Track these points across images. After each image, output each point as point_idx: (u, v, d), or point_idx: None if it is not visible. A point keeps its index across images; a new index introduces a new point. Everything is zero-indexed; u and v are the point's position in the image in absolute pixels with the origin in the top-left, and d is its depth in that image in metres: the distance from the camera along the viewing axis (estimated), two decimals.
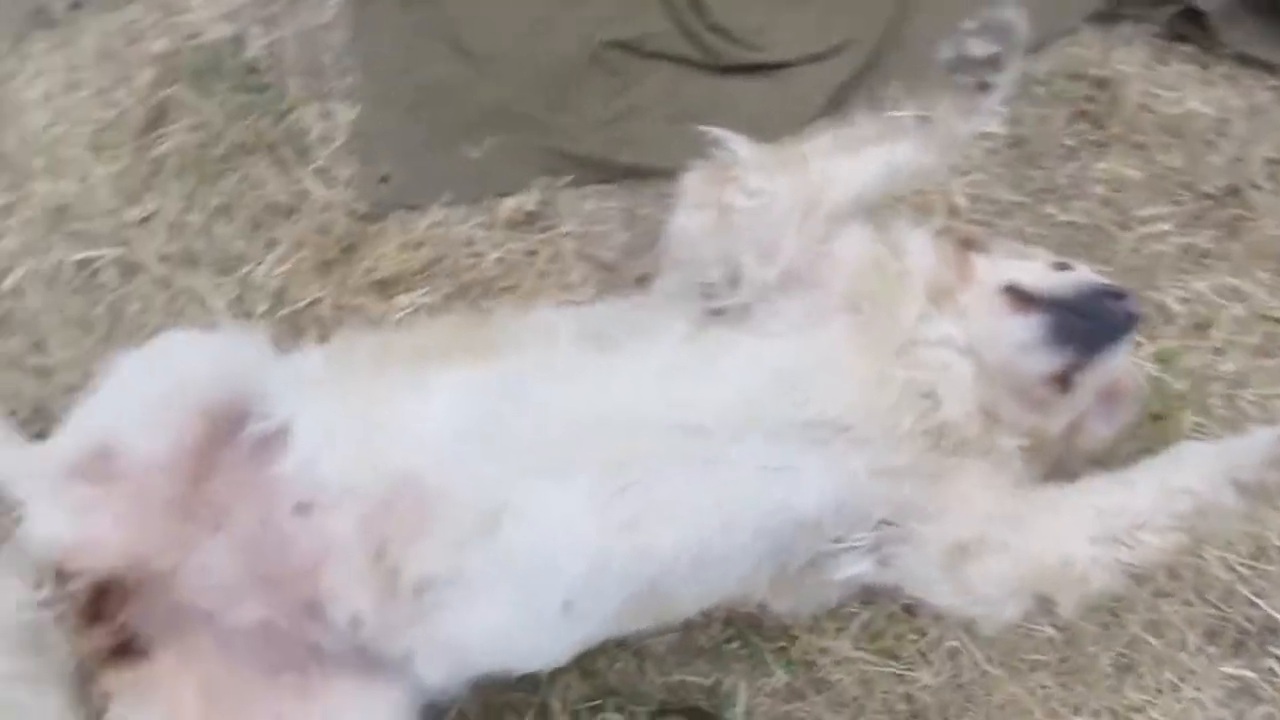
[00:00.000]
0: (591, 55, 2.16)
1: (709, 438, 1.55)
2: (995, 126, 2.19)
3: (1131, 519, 1.55)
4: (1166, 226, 2.18)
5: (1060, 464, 1.91)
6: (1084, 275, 1.71)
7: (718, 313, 1.66)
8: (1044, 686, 1.97)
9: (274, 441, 1.69)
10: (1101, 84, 2.22)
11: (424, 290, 2.10)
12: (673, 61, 2.17)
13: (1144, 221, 2.18)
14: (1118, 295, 1.68)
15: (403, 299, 2.09)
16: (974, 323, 1.69)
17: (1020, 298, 1.69)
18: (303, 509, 1.66)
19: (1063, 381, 1.67)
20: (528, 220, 2.13)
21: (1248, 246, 2.18)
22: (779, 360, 1.61)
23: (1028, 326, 1.66)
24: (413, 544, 1.60)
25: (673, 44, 2.17)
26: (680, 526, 1.56)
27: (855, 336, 1.64)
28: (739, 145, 1.68)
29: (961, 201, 2.15)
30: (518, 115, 2.13)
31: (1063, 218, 2.18)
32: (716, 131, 1.68)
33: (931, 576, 1.61)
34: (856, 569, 1.64)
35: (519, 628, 1.62)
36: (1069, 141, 2.23)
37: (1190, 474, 1.57)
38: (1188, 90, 2.23)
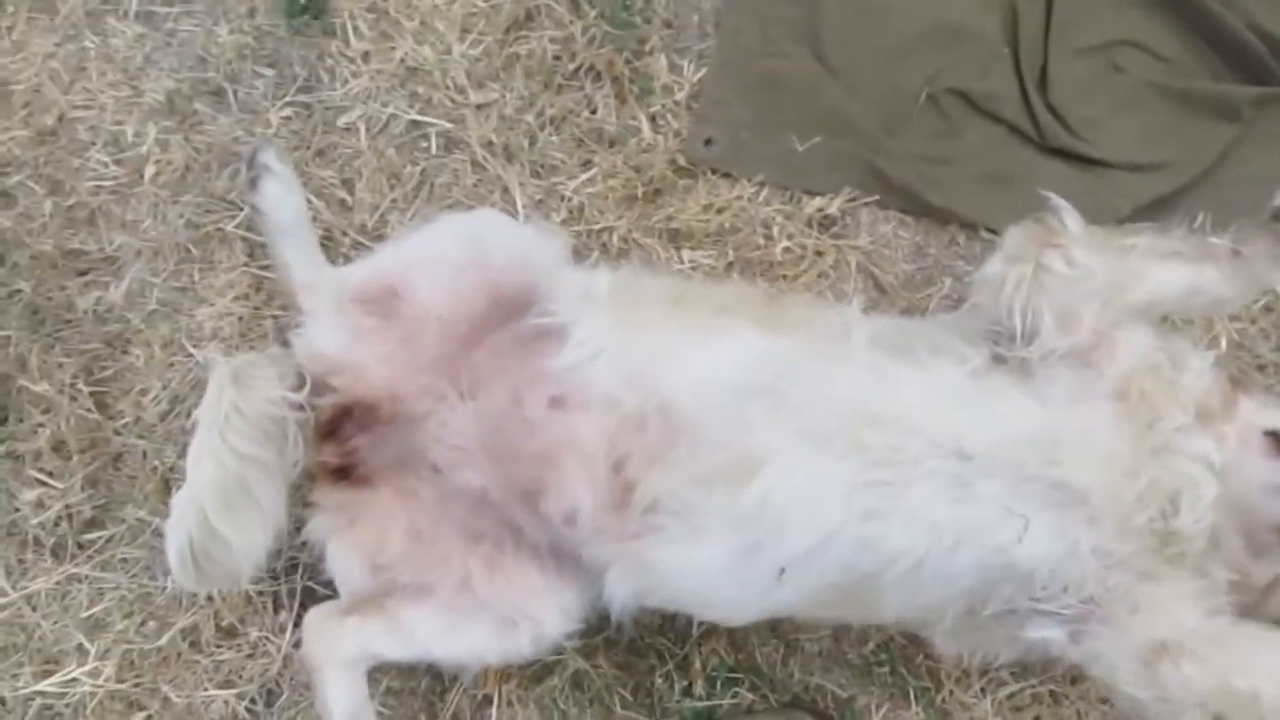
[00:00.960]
0: (931, 95, 2.27)
1: (968, 464, 1.66)
2: (1278, 287, 2.26)
3: None
4: None
5: (1247, 614, 1.98)
6: None
7: (1001, 360, 1.77)
8: None
9: (549, 337, 1.84)
10: None
11: (710, 252, 2.23)
12: (1003, 125, 2.27)
13: None
14: None
15: (688, 254, 2.23)
16: (1229, 452, 1.77)
17: (1275, 437, 1.77)
18: (557, 402, 1.80)
19: None
20: (826, 222, 2.25)
21: None
22: (1047, 419, 1.72)
23: (1273, 471, 1.74)
24: (656, 466, 1.73)
25: (1008, 109, 2.27)
26: (913, 533, 1.68)
27: (1119, 424, 1.74)
28: (1071, 218, 1.78)
29: (1224, 344, 2.22)
30: (849, 125, 2.24)
31: None
32: (1055, 199, 1.78)
33: (1123, 663, 1.69)
34: (1047, 634, 1.74)
35: (727, 577, 1.75)
36: None
37: None
38: None
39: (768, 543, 1.70)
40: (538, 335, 1.87)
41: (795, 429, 1.70)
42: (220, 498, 1.80)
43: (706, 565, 1.75)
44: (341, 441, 1.90)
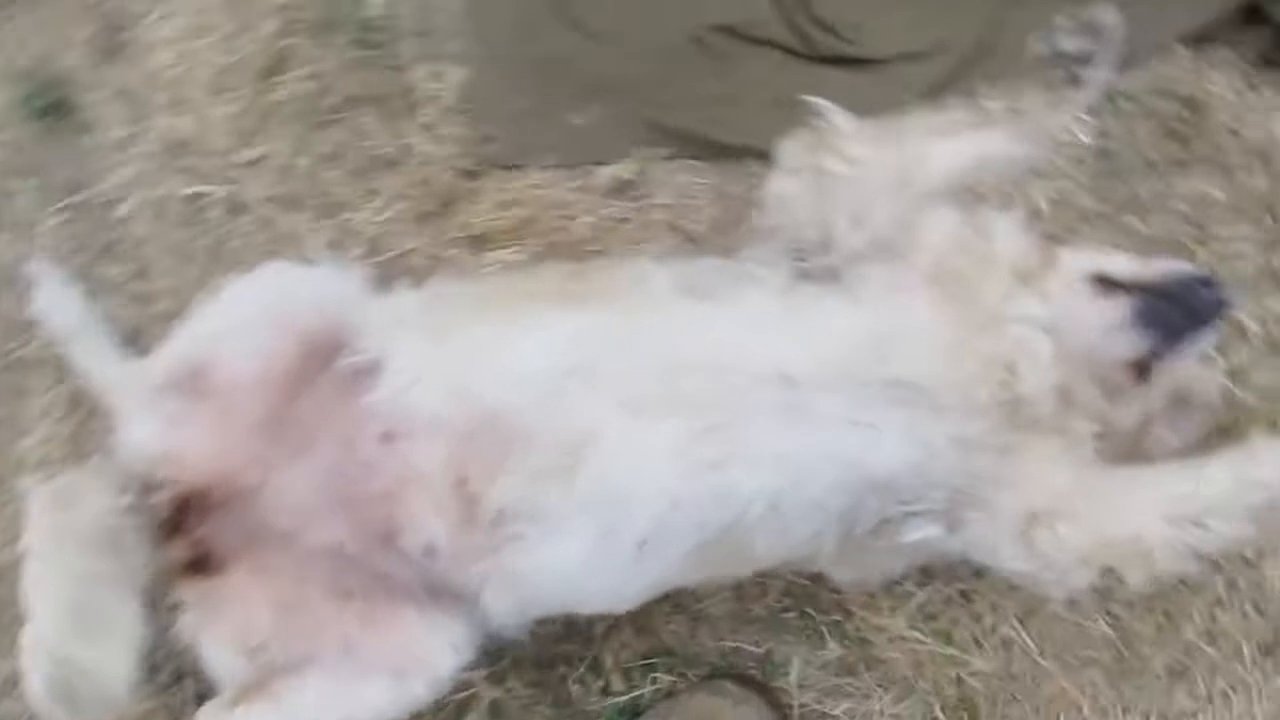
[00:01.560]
0: (696, 37, 2.22)
1: (796, 387, 1.60)
2: (1083, 137, 2.24)
3: (1204, 504, 1.58)
4: (1245, 247, 2.21)
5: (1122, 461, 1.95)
6: (1172, 263, 1.75)
7: (807, 274, 1.73)
8: (1094, 684, 1.99)
9: (366, 374, 1.76)
10: (1191, 104, 2.26)
11: (515, 248, 2.17)
12: (774, 48, 2.24)
13: (1223, 241, 2.21)
14: (1207, 283, 1.71)
15: (493, 255, 2.17)
16: (1057, 305, 1.73)
17: (1106, 284, 1.74)
18: (388, 438, 1.73)
19: (1142, 369, 1.71)
20: (622, 189, 2.20)
21: None
22: (865, 321, 1.67)
23: (1113, 309, 1.69)
24: (494, 475, 1.66)
25: (775, 31, 2.23)
26: (760, 473, 1.61)
27: (939, 308, 1.70)
28: (840, 117, 1.74)
29: (1044, 205, 2.20)
30: (623, 88, 2.20)
31: (1143, 231, 2.21)
32: (818, 102, 1.75)
33: (1001, 542, 1.64)
34: (925, 532, 1.67)
35: (594, 567, 1.67)
36: (1154, 158, 2.26)
37: (1265, 468, 1.60)
38: (1277, 117, 2.26)
39: (619, 522, 1.63)
40: (355, 375, 1.78)
41: (615, 400, 1.63)
42: (69, 625, 1.69)
43: (570, 561, 1.67)
44: (185, 534, 1.80)
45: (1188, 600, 2.02)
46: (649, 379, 1.63)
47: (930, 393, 1.63)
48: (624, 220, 2.18)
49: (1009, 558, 1.63)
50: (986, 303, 1.69)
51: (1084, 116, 2.22)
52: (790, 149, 1.76)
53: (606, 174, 2.19)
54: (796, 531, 1.68)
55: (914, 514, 1.67)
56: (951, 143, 1.77)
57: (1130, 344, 1.68)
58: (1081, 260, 1.80)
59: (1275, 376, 2.13)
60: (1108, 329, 1.69)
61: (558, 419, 1.65)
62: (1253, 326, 2.16)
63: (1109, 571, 1.61)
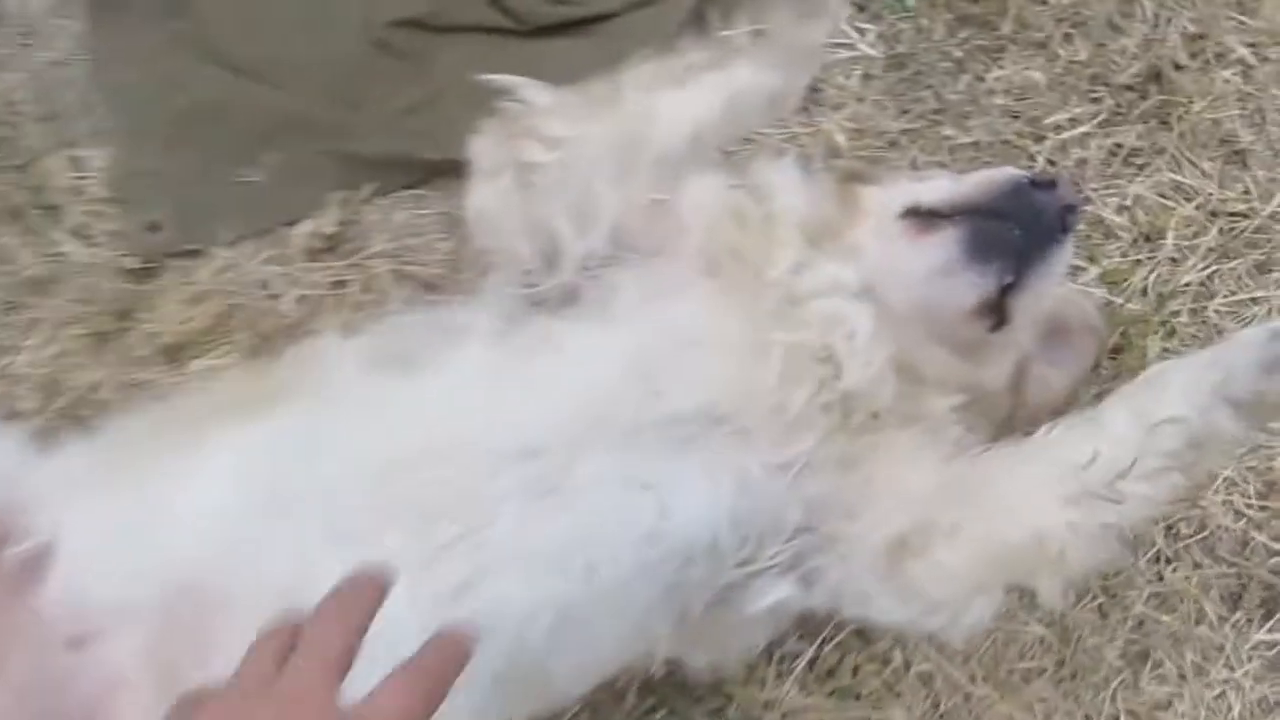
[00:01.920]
0: (377, 41, 1.80)
1: (542, 458, 1.18)
2: (866, 48, 1.87)
3: (1111, 468, 1.18)
4: (1086, 129, 1.84)
5: (1012, 428, 1.57)
6: (999, 171, 1.36)
7: (541, 302, 1.31)
8: (1043, 699, 1.59)
9: (37, 565, 1.32)
10: None
11: (220, 350, 1.72)
12: (474, 33, 1.83)
13: (1058, 128, 1.84)
14: (1045, 185, 1.32)
15: (197, 364, 1.72)
16: (869, 261, 1.34)
17: (924, 218, 1.34)
18: (76, 643, 1.28)
19: (994, 311, 1.31)
20: (329, 246, 1.75)
21: (1182, 136, 1.85)
22: (622, 347, 1.25)
23: (937, 247, 1.30)
24: (205, 654, 1.21)
25: (471, 12, 1.82)
26: (530, 579, 1.17)
27: (719, 304, 1.29)
28: (533, 91, 1.33)
29: (841, 139, 1.81)
30: (299, 124, 1.77)
31: (963, 139, 1.84)
32: (503, 80, 1.33)
33: (869, 588, 1.23)
34: (776, 594, 1.26)
35: None
36: (956, 53, 1.89)
37: (1172, 400, 1.20)
38: None
39: (368, 679, 1.21)
40: (25, 568, 1.34)
41: (319, 528, 1.21)
42: None
43: None
44: None
45: (1126, 564, 1.63)
46: (354, 492, 1.19)
47: (727, 418, 1.22)
48: (340, 283, 1.74)
49: (885, 606, 1.23)
50: (777, 280, 1.30)
51: (860, 23, 1.86)
52: (481, 147, 1.34)
53: (304, 233, 1.74)
54: (609, 634, 1.25)
55: (757, 574, 1.26)
56: (686, 90, 1.37)
57: (969, 285, 1.28)
58: (890, 196, 1.41)
59: (1155, 271, 1.77)
60: (936, 274, 1.30)
61: (256, 568, 1.21)
62: (1117, 220, 1.79)
63: (1015, 588, 1.23)
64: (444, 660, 0.80)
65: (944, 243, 1.30)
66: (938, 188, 1.41)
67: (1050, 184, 1.33)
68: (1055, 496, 1.19)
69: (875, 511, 1.23)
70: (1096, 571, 1.36)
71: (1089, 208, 1.78)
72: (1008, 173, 1.36)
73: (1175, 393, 1.20)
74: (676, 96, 1.35)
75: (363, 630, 0.81)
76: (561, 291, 1.29)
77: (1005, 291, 1.30)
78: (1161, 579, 1.64)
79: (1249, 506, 1.66)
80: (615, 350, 1.25)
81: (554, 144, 1.28)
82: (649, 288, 1.29)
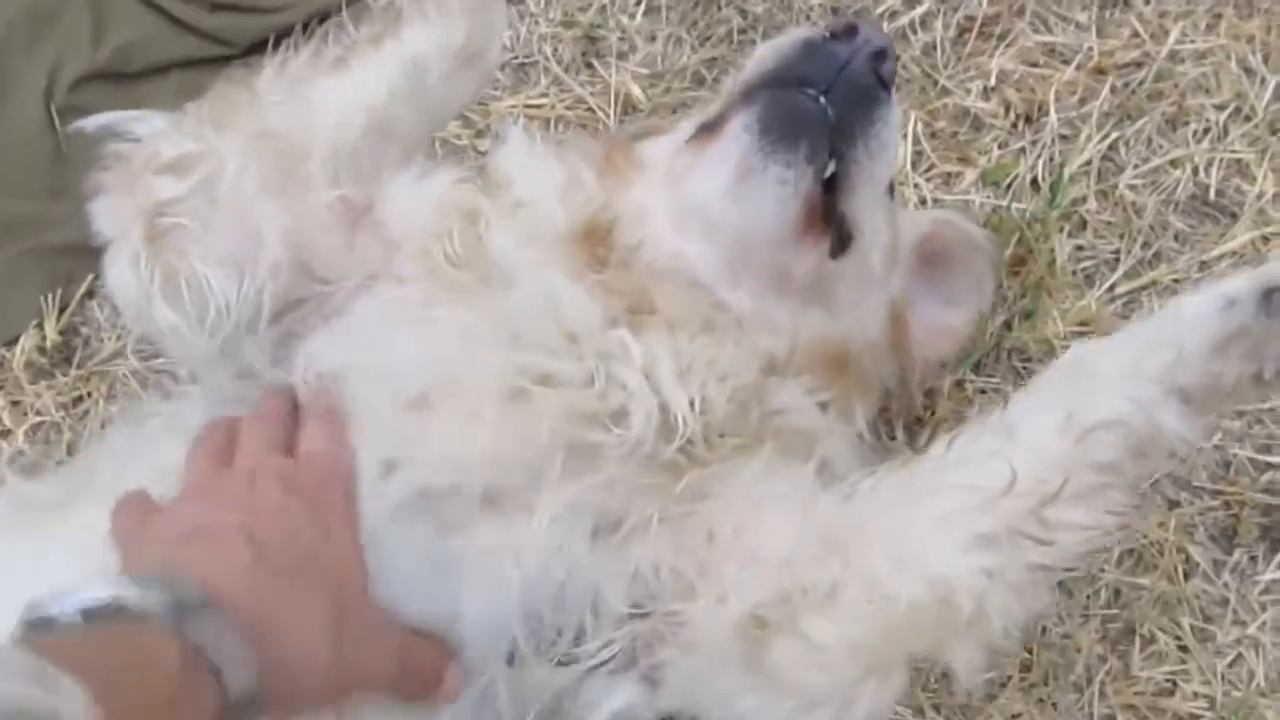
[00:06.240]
0: (64, 108, 1.50)
1: None
2: None
3: (1034, 492, 0.86)
4: (925, 7, 1.49)
5: (906, 397, 1.26)
6: (783, 36, 1.04)
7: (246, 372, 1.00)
8: (1015, 715, 1.26)
9: None
10: None
11: None
12: (181, 69, 1.52)
13: (892, 14, 1.49)
14: (844, 33, 1.00)
15: None
16: (648, 225, 1.03)
17: (710, 128, 1.04)
18: None
19: (825, 218, 1.00)
20: (57, 357, 1.46)
21: None
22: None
23: (725, 146, 0.99)
24: None
25: (171, 47, 1.52)
26: None
27: (448, 341, 0.96)
28: (141, 122, 1.00)
29: (637, 90, 1.48)
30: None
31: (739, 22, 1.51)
32: (101, 120, 1.01)
33: (728, 684, 0.91)
34: (616, 701, 0.93)
35: None
36: None
37: (1106, 396, 0.88)
38: None
39: None
40: None
41: None
42: None
43: None
44: None
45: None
46: None
47: (498, 492, 0.90)
48: (81, 400, 1.44)
49: (750, 706, 0.90)
50: (530, 300, 0.97)
51: None
52: (101, 208, 1.01)
53: (24, 349, 1.44)
54: None
55: (590, 675, 0.94)
56: (348, 74, 1.04)
57: (778, 184, 0.97)
58: (679, 134, 1.10)
59: (1045, 155, 1.42)
60: (733, 184, 0.98)
61: None
62: (984, 106, 1.44)
63: (919, 663, 0.90)
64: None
65: (732, 137, 0.99)
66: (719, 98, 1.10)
67: (849, 30, 1.00)
68: (963, 536, 0.87)
69: (720, 580, 0.91)
70: (1025, 627, 1.01)
71: (948, 100, 1.45)
72: (793, 33, 1.04)
73: (1108, 386, 0.89)
74: (335, 83, 1.04)
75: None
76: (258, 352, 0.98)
77: (831, 187, 0.99)
78: (1133, 534, 1.30)
79: (1221, 416, 1.33)
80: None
81: (186, 167, 0.96)
82: (344, 341, 0.98)
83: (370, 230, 1.02)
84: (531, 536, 0.89)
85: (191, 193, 0.95)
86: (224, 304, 0.95)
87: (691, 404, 0.94)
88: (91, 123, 1.02)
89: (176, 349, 1.03)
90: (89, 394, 1.43)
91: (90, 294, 1.46)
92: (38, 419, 1.42)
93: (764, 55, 1.04)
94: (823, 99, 0.97)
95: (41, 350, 1.44)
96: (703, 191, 1.00)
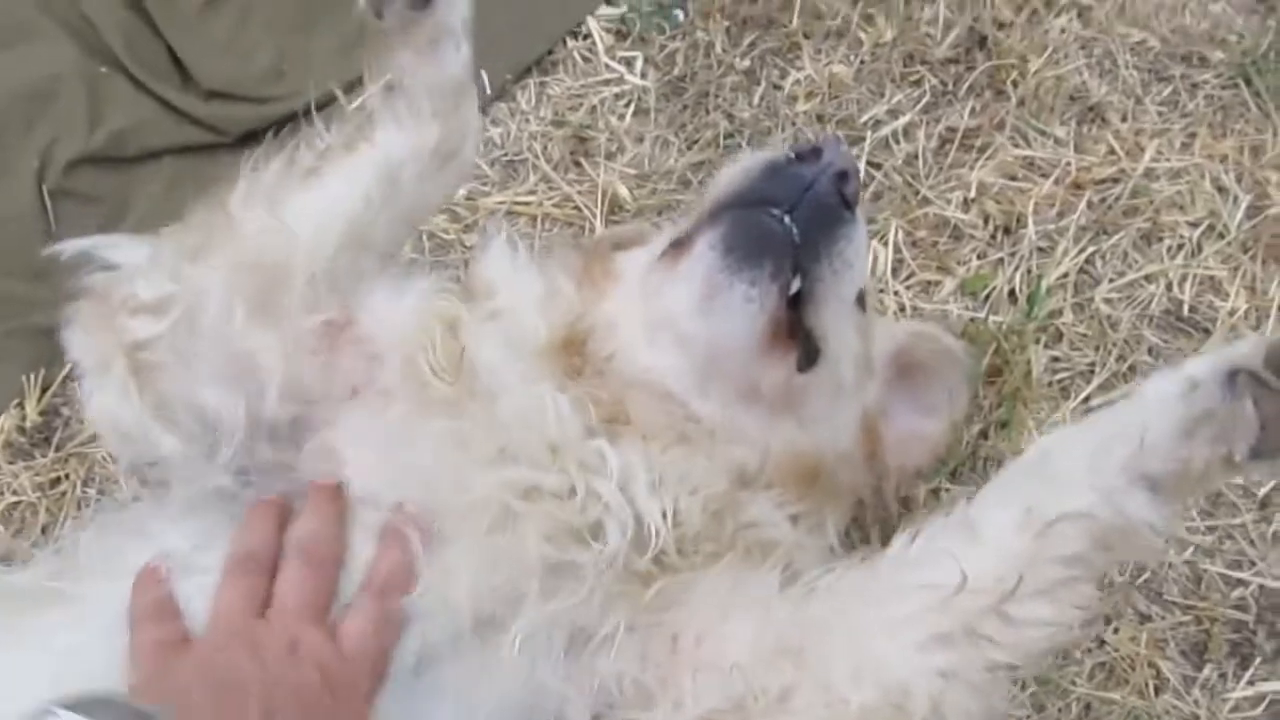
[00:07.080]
0: (56, 190, 1.52)
1: None
2: (637, 79, 1.57)
3: (993, 589, 0.86)
4: (908, 118, 1.54)
5: (881, 509, 1.24)
6: (749, 157, 1.07)
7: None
8: None
9: None
10: None
11: None
12: (175, 155, 1.55)
13: (876, 123, 1.54)
14: (808, 155, 1.03)
15: None
16: (621, 337, 1.04)
17: (680, 245, 1.06)
18: None
19: (791, 333, 1.02)
20: (37, 437, 1.46)
21: (1023, 103, 1.55)
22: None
23: (692, 264, 1.01)
24: None
25: (166, 133, 1.55)
26: None
27: (436, 464, 0.97)
28: (116, 250, 1.00)
29: (624, 191, 1.51)
30: None
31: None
32: (71, 246, 1.00)
33: None
34: None
35: None
36: (743, 63, 1.59)
37: (1069, 487, 0.88)
38: None
39: None
40: None
41: None
42: None
43: None
44: None
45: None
46: None
47: (484, 619, 0.89)
48: (58, 481, 1.43)
49: None
50: (515, 405, 0.97)
51: (623, 52, 1.57)
52: (76, 341, 1.00)
53: (3, 430, 1.44)
54: None
55: None
56: (321, 185, 1.05)
57: (743, 300, 0.99)
58: (654, 247, 1.12)
59: (1023, 266, 1.45)
60: (701, 301, 1.00)
61: None
62: (964, 217, 1.48)
63: None
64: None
65: (699, 255, 1.01)
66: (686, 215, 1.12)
67: (813, 153, 1.03)
68: (919, 637, 0.87)
69: (677, 689, 0.90)
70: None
71: (929, 209, 1.48)
72: (758, 155, 1.07)
73: (1071, 477, 0.89)
74: (310, 197, 1.04)
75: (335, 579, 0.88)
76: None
77: (797, 304, 1.01)
78: (1103, 645, 1.30)
79: (1193, 531, 1.34)
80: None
81: (162, 307, 0.97)
82: (345, 444, 0.98)
83: (352, 346, 1.02)
84: (503, 659, 0.89)
85: (171, 329, 0.95)
86: (227, 426, 0.96)
87: (664, 515, 0.94)
88: (69, 248, 1.01)
89: (168, 471, 1.03)
90: (67, 475, 1.43)
91: (72, 376, 1.47)
92: (14, 499, 1.42)
93: (731, 176, 1.07)
94: (787, 219, 1.00)
95: (21, 430, 1.45)
96: (672, 307, 1.02)
